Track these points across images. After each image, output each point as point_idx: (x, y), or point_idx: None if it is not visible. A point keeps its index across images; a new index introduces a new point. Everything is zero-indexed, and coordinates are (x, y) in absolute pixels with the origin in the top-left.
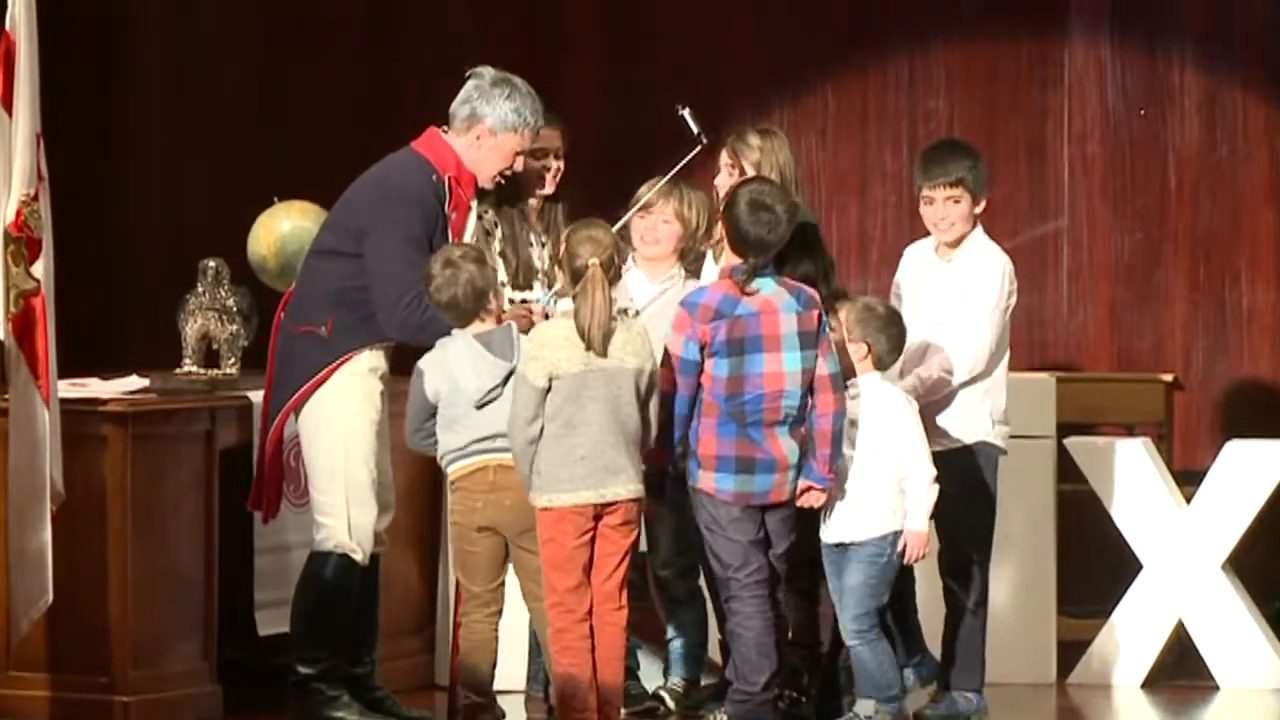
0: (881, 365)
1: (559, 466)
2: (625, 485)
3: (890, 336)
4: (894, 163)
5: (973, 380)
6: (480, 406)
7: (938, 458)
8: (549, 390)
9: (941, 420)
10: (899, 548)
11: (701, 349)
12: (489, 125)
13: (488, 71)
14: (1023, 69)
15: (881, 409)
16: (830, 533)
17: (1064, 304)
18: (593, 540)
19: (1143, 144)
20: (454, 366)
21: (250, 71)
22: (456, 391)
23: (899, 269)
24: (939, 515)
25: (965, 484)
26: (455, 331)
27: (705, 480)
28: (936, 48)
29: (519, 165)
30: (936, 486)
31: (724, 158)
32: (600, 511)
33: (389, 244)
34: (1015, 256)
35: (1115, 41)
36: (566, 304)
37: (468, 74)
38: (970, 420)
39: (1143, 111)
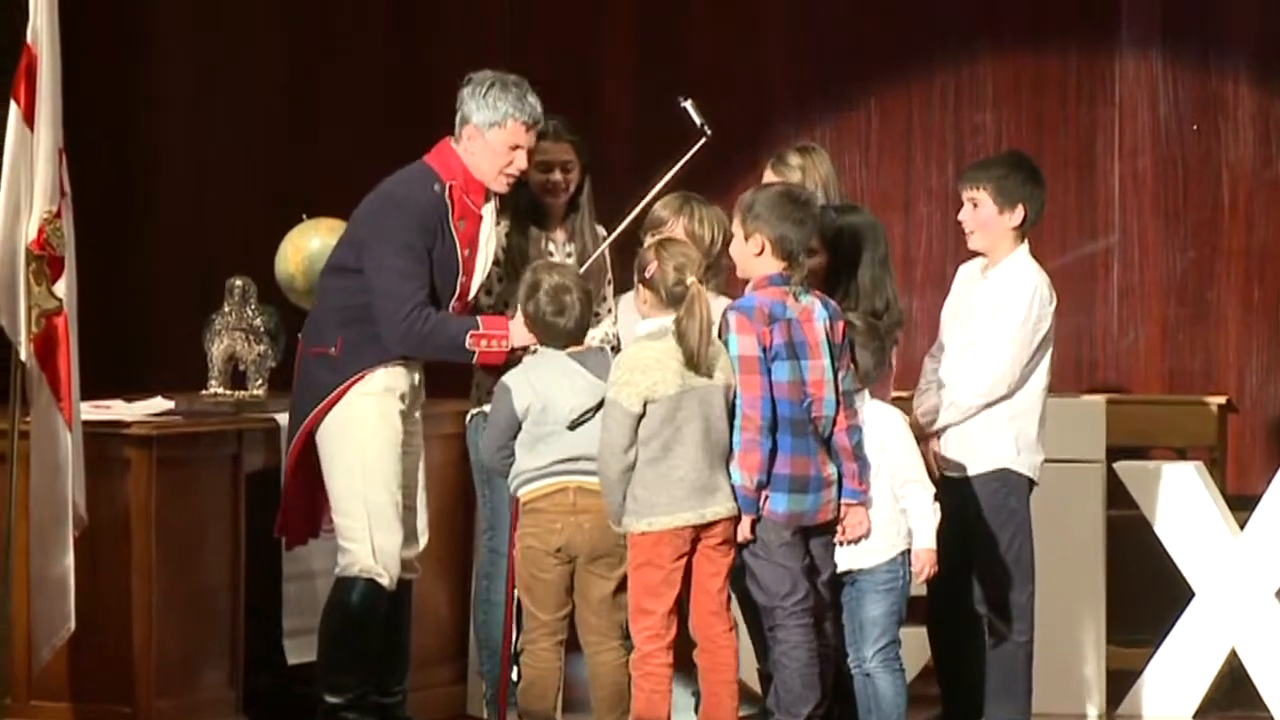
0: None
1: (657, 490)
2: (724, 504)
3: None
4: (939, 179)
5: (996, 404)
6: (573, 427)
7: (955, 483)
8: (643, 415)
9: (961, 444)
10: (911, 567)
11: (765, 351)
12: (475, 124)
13: (481, 75)
14: (1071, 83)
15: (878, 430)
16: (839, 560)
17: (1114, 324)
18: (687, 564)
19: (1195, 159)
20: (547, 385)
21: (276, 86)
22: (547, 410)
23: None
24: (965, 544)
25: (987, 512)
26: (544, 350)
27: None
28: (983, 61)
29: (521, 162)
30: (938, 504)
31: (766, 178)
32: (699, 533)
33: (385, 256)
34: (1064, 274)
35: (1167, 54)
36: (645, 326)
37: (463, 81)
38: (991, 446)
39: (1195, 126)
